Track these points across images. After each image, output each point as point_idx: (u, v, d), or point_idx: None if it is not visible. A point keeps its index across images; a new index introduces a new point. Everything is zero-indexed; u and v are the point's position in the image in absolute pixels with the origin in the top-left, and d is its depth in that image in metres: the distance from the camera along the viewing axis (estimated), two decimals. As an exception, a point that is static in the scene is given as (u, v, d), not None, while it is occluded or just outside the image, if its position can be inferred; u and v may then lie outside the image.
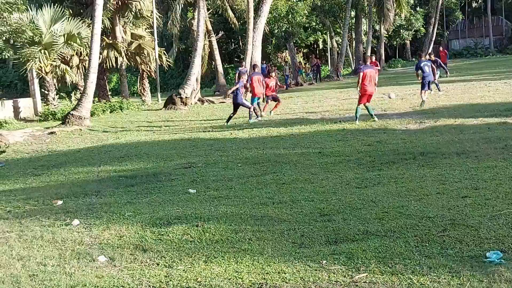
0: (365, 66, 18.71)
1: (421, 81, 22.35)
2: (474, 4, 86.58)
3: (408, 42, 77.97)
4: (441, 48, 40.30)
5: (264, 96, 23.35)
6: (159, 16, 40.64)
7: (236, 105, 21.63)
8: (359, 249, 6.27)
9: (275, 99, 23.94)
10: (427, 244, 6.29)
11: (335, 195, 9.00)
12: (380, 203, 8.20)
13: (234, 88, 22.32)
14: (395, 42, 75.95)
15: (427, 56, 26.71)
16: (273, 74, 24.58)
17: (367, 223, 7.26)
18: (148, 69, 38.87)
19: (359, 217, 7.60)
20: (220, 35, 47.99)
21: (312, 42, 67.44)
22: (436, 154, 11.78)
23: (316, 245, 6.62)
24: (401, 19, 67.28)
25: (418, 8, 73.10)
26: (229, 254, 6.43)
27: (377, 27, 63.59)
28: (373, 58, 31.36)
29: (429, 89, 22.91)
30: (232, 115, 21.64)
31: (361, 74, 18.26)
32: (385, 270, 5.61)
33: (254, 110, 22.10)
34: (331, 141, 14.91)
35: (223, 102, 34.44)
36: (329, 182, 10.06)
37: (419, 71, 22.54)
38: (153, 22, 38.06)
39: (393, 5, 58.85)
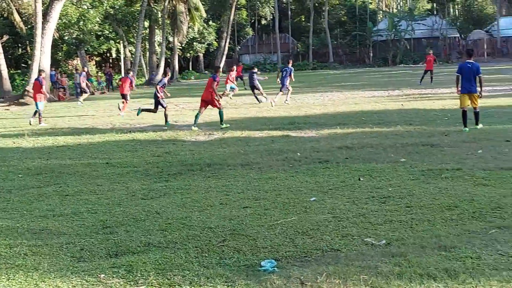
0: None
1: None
2: (263, 22, 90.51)
3: (201, 54, 79.52)
4: (240, 64, 41.59)
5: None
6: None
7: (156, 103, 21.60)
8: (139, 261, 6.20)
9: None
10: (206, 255, 6.38)
11: (119, 206, 8.86)
12: (164, 214, 8.20)
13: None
14: (188, 54, 77.03)
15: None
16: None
17: (149, 235, 7.22)
18: None
19: (142, 228, 7.53)
20: (5, 39, 45.58)
21: (105, 50, 66.32)
22: (222, 165, 12.05)
23: (96, 259, 6.44)
24: (194, 32, 68.52)
25: (210, 22, 74.80)
26: (1, 271, 6.04)
27: (170, 39, 64.08)
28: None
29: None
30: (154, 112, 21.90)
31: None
32: (164, 282, 5.59)
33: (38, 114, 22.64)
34: (120, 151, 14.71)
35: (7, 110, 32.68)
36: (115, 193, 9.89)
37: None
38: None
39: (186, 17, 59.87)
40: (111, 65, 65.66)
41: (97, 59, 68.73)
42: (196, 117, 19.05)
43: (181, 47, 69.31)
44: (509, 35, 78.04)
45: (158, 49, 61.49)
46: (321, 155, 12.60)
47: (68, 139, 17.44)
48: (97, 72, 60.54)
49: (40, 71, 25.97)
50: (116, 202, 9.17)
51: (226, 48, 75.50)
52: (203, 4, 64.90)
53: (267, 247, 6.58)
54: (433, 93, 29.03)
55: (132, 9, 57.97)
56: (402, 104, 23.75)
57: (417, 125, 17.02)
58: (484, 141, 13.49)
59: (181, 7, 59.06)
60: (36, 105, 23.05)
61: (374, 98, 27.73)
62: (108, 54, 70.12)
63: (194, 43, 72.97)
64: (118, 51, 65.78)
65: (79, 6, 47.36)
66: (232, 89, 32.31)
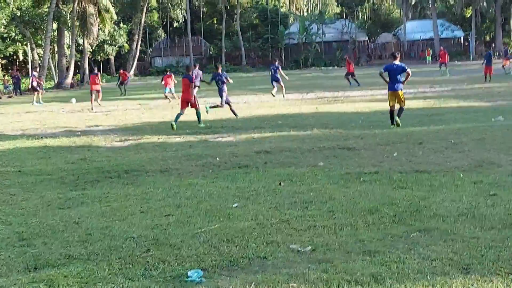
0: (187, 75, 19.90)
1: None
2: (175, 24, 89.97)
3: (112, 57, 78.20)
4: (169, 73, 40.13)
5: None
6: None
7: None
8: (60, 275, 5.97)
9: None
10: (131, 266, 6.21)
11: (35, 217, 8.52)
12: (83, 224, 7.95)
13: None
14: (99, 57, 75.61)
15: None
16: None
17: (69, 247, 6.97)
18: None
19: (61, 240, 7.27)
20: None
21: (12, 53, 64.25)
22: (141, 171, 11.82)
23: (14, 273, 6.16)
24: (105, 34, 67.30)
25: (121, 24, 73.69)
26: None
27: (81, 41, 62.73)
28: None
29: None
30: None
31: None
32: (88, 297, 5.41)
33: None
34: (32, 158, 14.21)
35: None
36: (30, 203, 9.51)
37: None
38: None
39: (97, 20, 58.78)
40: (18, 68, 63.65)
41: (3, 62, 66.50)
42: (177, 116, 19.13)
43: (91, 50, 67.95)
44: (416, 39, 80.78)
45: (67, 51, 60.06)
46: (240, 160, 12.58)
47: (-25, 146, 16.74)
48: (3, 75, 58.55)
49: None
50: (31, 213, 8.83)
51: (138, 50, 74.73)
52: (113, 6, 63.93)
53: (193, 256, 6.47)
54: (346, 96, 29.62)
55: (40, 10, 56.33)
56: (316, 107, 24.10)
57: (332, 128, 17.27)
58: (398, 144, 13.81)
59: (91, 9, 57.99)
60: None
61: (288, 101, 28.03)
62: (15, 57, 68.02)
63: (105, 46, 71.69)
64: (25, 53, 63.87)
65: (-17, 7, 45.66)
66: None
